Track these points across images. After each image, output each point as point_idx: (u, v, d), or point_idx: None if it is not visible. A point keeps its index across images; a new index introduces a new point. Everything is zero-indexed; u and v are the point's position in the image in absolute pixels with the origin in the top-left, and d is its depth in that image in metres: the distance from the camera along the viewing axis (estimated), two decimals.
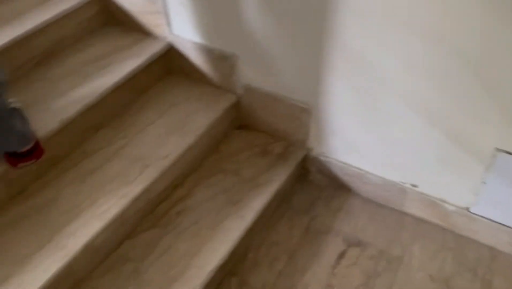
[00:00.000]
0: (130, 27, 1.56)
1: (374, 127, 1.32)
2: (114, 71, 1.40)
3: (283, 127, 1.50)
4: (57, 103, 1.29)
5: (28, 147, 1.14)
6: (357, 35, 1.16)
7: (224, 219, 1.30)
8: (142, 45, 1.50)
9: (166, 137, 1.37)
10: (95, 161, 1.30)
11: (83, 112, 1.30)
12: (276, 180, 1.41)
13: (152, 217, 1.30)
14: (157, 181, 1.28)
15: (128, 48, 1.49)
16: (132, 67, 1.41)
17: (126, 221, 1.22)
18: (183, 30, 1.47)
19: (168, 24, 1.48)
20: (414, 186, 1.37)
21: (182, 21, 1.45)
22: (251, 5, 1.28)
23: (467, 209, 1.33)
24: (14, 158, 1.14)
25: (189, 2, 1.39)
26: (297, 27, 1.25)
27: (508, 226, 1.30)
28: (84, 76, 1.38)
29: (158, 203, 1.33)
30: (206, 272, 1.17)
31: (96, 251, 1.15)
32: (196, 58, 1.50)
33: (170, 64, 1.57)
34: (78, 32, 1.51)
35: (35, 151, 1.17)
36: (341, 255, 1.34)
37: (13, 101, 1.15)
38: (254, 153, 1.50)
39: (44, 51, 1.42)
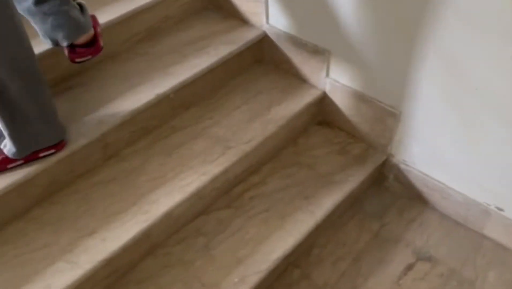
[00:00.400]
0: (228, 13, 1.62)
1: (464, 141, 1.26)
2: (209, 54, 1.46)
3: (366, 129, 1.48)
4: (155, 78, 1.38)
5: (83, 36, 1.12)
6: (458, 41, 1.11)
7: (294, 211, 1.32)
8: (238, 31, 1.55)
9: (249, 123, 1.41)
10: (182, 137, 1.37)
11: (178, 89, 1.37)
12: (351, 181, 1.40)
13: (227, 198, 1.35)
14: (236, 164, 1.32)
15: (224, 33, 1.55)
16: (226, 52, 1.47)
17: (203, 197, 1.28)
18: (279, 21, 1.49)
19: (266, 13, 1.51)
20: (500, 209, 1.29)
21: (279, 12, 1.47)
22: (349, 1, 1.27)
23: None
24: (72, 53, 1.14)
25: None
26: (394, 28, 1.22)
27: None
28: (182, 56, 1.46)
29: (234, 185, 1.37)
30: (271, 259, 1.20)
31: (173, 220, 1.22)
32: (288, 49, 1.52)
33: (261, 52, 1.61)
34: (180, 13, 1.59)
35: (93, 46, 1.15)
36: (409, 267, 1.30)
37: None
38: (332, 150, 1.50)
39: (148, 28, 1.52)
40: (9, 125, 1.05)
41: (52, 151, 1.15)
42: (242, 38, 1.52)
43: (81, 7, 1.14)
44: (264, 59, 1.63)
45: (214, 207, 1.33)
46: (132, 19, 1.45)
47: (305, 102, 1.48)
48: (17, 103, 1.03)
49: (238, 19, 1.60)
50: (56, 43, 1.12)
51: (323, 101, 1.53)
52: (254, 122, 1.42)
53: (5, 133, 1.07)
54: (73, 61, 1.16)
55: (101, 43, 1.19)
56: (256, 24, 1.56)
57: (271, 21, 1.52)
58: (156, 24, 1.54)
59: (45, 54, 1.25)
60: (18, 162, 1.12)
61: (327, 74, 1.47)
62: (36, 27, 1.10)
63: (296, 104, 1.48)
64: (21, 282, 1.03)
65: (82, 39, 1.13)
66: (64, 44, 1.12)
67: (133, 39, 1.49)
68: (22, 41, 1.00)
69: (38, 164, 1.14)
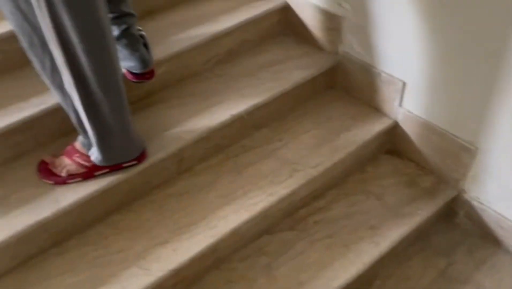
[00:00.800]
0: (304, 39, 1.66)
1: None
2: (284, 78, 1.51)
3: (437, 162, 1.45)
4: (230, 99, 1.45)
5: (145, 70, 1.32)
6: None
7: (358, 240, 1.31)
8: (313, 57, 1.59)
9: (318, 148, 1.43)
10: (252, 157, 1.42)
11: (251, 110, 1.43)
12: (419, 214, 1.37)
13: (291, 220, 1.37)
14: (303, 187, 1.35)
15: (299, 58, 1.59)
16: (300, 77, 1.51)
17: (268, 217, 1.31)
18: (353, 49, 1.51)
19: (341, 41, 1.54)
20: None
21: (354, 40, 1.49)
22: (423, 32, 1.26)
23: None
24: (132, 74, 1.34)
25: (365, 24, 1.42)
26: (475, 60, 1.19)
27: None
28: (257, 78, 1.52)
29: (298, 207, 1.39)
30: (333, 286, 1.20)
31: (239, 237, 1.26)
32: (361, 77, 1.53)
33: (334, 79, 1.63)
34: (258, 38, 1.66)
35: (150, 75, 1.35)
36: None
37: (141, 29, 1.37)
38: (400, 181, 1.47)
39: (227, 51, 1.59)
40: (99, 137, 1.16)
41: (135, 162, 1.24)
42: (316, 64, 1.56)
43: (145, 41, 1.34)
44: (336, 85, 1.64)
45: (278, 228, 1.35)
46: (214, 42, 1.53)
47: (376, 130, 1.48)
48: (109, 117, 1.13)
49: (314, 45, 1.64)
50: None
51: (394, 130, 1.52)
52: (322, 147, 1.43)
53: (95, 143, 1.18)
54: (131, 80, 1.35)
55: (155, 71, 1.37)
56: (331, 51, 1.59)
57: (346, 48, 1.54)
58: (235, 47, 1.61)
59: None
60: (104, 170, 1.22)
61: (400, 104, 1.46)
62: None
63: (366, 131, 1.48)
64: (98, 282, 1.11)
65: (144, 71, 1.32)
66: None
67: (212, 60, 1.57)
68: (115, 61, 1.10)
69: (121, 174, 1.23)
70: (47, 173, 1.21)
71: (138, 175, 1.27)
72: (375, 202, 1.41)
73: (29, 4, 0.95)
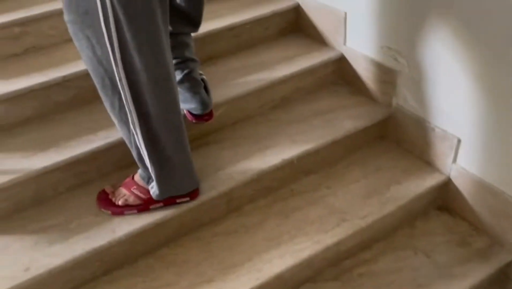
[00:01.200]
0: (358, 89, 1.69)
1: None
2: (335, 127, 1.53)
3: (491, 223, 1.39)
4: (282, 143, 1.49)
5: (204, 112, 1.40)
6: None
7: None
8: (365, 108, 1.61)
9: (366, 198, 1.43)
10: (300, 202, 1.43)
11: (301, 156, 1.46)
12: (471, 276, 1.31)
13: (335, 270, 1.35)
14: (350, 237, 1.34)
15: (352, 108, 1.62)
16: (352, 127, 1.53)
17: (312, 265, 1.31)
18: (409, 104, 1.52)
19: (395, 94, 1.55)
20: None
21: (409, 95, 1.51)
22: (480, 90, 1.26)
23: None
24: (192, 115, 1.41)
25: (420, 78, 1.44)
26: None
27: None
28: (309, 125, 1.56)
29: (344, 258, 1.38)
30: None
31: (282, 283, 1.26)
32: (414, 131, 1.53)
33: (386, 130, 1.64)
34: (312, 86, 1.71)
35: (209, 116, 1.43)
36: None
37: (202, 74, 1.45)
38: (451, 239, 1.43)
39: (282, 97, 1.65)
40: (159, 172, 1.22)
41: (187, 198, 1.29)
42: (369, 114, 1.58)
43: (205, 85, 1.42)
44: (387, 136, 1.65)
45: (321, 277, 1.34)
46: (269, 88, 1.60)
47: (427, 185, 1.45)
48: (169, 154, 1.20)
49: (367, 96, 1.66)
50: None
51: (447, 186, 1.49)
52: (371, 198, 1.43)
53: (154, 177, 1.24)
54: (190, 121, 1.43)
55: (214, 113, 1.45)
56: (384, 103, 1.61)
57: (399, 101, 1.55)
58: (289, 94, 1.67)
59: None
60: (159, 205, 1.28)
61: (454, 161, 1.44)
62: None
63: (417, 185, 1.46)
64: None
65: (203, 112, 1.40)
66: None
67: (267, 106, 1.63)
68: (177, 102, 1.19)
69: (174, 209, 1.28)
70: (106, 203, 1.29)
71: (189, 212, 1.31)
72: (424, 259, 1.37)
73: (105, 51, 1.06)
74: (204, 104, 1.39)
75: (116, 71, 1.07)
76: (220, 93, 1.53)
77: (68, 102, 1.48)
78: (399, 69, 1.50)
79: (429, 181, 1.47)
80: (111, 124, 1.38)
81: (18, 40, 1.55)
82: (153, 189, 1.26)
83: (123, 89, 1.09)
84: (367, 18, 1.54)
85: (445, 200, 1.52)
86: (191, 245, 1.32)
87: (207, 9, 1.79)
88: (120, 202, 1.27)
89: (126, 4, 0.99)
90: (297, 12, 1.83)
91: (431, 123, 1.47)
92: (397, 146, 1.62)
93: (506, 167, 1.30)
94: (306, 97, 1.70)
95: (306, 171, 1.53)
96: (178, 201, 1.29)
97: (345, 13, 1.62)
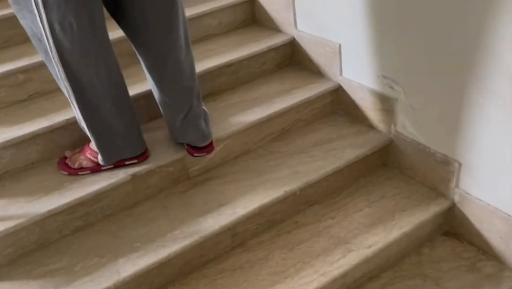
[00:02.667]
0: (356, 118, 1.71)
1: None
2: (336, 157, 1.54)
3: (501, 247, 1.38)
4: (284, 175, 1.49)
5: (205, 144, 1.42)
6: None
7: None
8: (365, 136, 1.62)
9: (371, 227, 1.42)
10: (304, 234, 1.42)
11: (303, 188, 1.46)
12: None
13: None
14: (356, 268, 1.32)
15: (351, 137, 1.63)
16: (353, 156, 1.54)
17: None
18: (407, 129, 1.54)
19: (393, 122, 1.57)
20: None
21: (407, 122, 1.52)
22: (480, 116, 1.27)
23: None
24: (192, 148, 1.43)
25: (417, 105, 1.46)
26: None
27: None
28: (310, 156, 1.57)
29: None
30: None
31: None
32: (415, 157, 1.54)
33: (386, 157, 1.64)
34: (310, 117, 1.73)
35: (209, 147, 1.44)
36: None
37: (203, 104, 1.50)
38: (460, 265, 1.41)
39: (281, 129, 1.67)
40: (99, 139, 1.33)
41: (135, 161, 1.40)
42: (369, 142, 1.59)
43: (205, 115, 1.46)
44: (388, 163, 1.65)
45: None
46: (269, 121, 1.62)
47: (432, 211, 1.45)
48: (109, 121, 1.31)
49: (366, 124, 1.68)
50: (180, 143, 1.47)
51: (452, 212, 1.48)
52: (377, 227, 1.42)
53: (96, 145, 1.35)
54: (191, 155, 1.45)
55: (214, 145, 1.48)
56: (383, 131, 1.62)
57: (399, 128, 1.56)
58: (288, 126, 1.69)
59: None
60: (109, 166, 1.40)
61: (457, 185, 1.43)
62: (170, 129, 1.47)
63: (422, 212, 1.45)
64: None
65: (203, 144, 1.43)
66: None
67: (267, 138, 1.65)
68: (110, 73, 1.26)
69: (176, 246, 1.28)
70: (64, 166, 1.42)
71: (192, 249, 1.31)
72: (434, 287, 1.35)
73: (39, 29, 1.15)
74: (203, 135, 1.41)
75: (49, 47, 1.17)
76: (221, 128, 1.55)
77: (71, 145, 1.51)
78: (396, 97, 1.52)
79: (434, 207, 1.46)
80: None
81: (23, 87, 1.60)
82: (99, 156, 1.37)
83: (56, 64, 1.20)
84: (361, 48, 1.58)
85: (451, 225, 1.51)
86: (197, 283, 1.31)
87: (205, 48, 1.86)
88: (75, 165, 1.40)
89: None
90: (292, 46, 1.88)
91: (431, 148, 1.48)
92: (399, 172, 1.62)
93: (509, 190, 1.29)
94: (305, 128, 1.72)
95: (309, 202, 1.52)
96: (126, 163, 1.40)
97: (340, 45, 1.66)
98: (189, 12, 1.84)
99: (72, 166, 1.41)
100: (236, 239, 1.40)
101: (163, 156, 1.45)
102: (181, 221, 1.36)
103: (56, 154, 1.50)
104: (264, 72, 1.86)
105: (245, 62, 1.79)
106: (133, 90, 1.53)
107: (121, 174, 1.39)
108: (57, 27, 1.12)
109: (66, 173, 1.40)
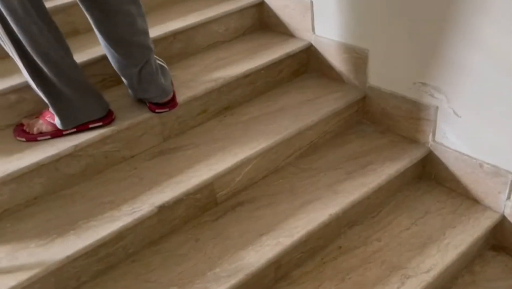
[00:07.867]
0: (385, 128, 1.60)
1: None
2: (376, 172, 1.42)
3: None
4: (323, 196, 1.35)
5: (166, 99, 1.37)
6: None
7: None
8: (401, 148, 1.51)
9: (424, 248, 1.30)
10: (352, 260, 1.29)
11: (346, 209, 1.33)
12: None
13: None
14: None
15: (386, 149, 1.51)
16: (394, 170, 1.42)
17: None
18: (448, 139, 1.43)
19: (433, 131, 1.47)
20: None
21: (449, 130, 1.42)
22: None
23: None
24: (154, 105, 1.38)
25: (462, 112, 1.36)
26: None
27: None
28: (346, 172, 1.43)
29: None
30: None
31: None
32: (456, 168, 1.44)
33: (422, 169, 1.54)
34: (337, 128, 1.61)
35: (172, 102, 1.39)
36: None
37: (160, 60, 1.46)
38: None
39: (310, 143, 1.54)
40: (54, 104, 1.25)
41: (100, 123, 1.31)
42: (407, 155, 1.48)
43: (163, 70, 1.40)
44: (424, 176, 1.55)
45: None
46: (298, 135, 1.48)
47: (484, 226, 1.35)
48: (60, 86, 1.22)
49: (398, 134, 1.57)
50: (141, 100, 1.42)
51: (502, 225, 1.39)
52: (429, 247, 1.30)
53: (52, 109, 1.26)
54: (153, 111, 1.39)
55: (177, 100, 1.42)
56: (420, 141, 1.52)
57: (438, 138, 1.46)
58: (316, 138, 1.55)
59: (220, 175, 1.30)
60: (71, 130, 1.30)
61: (509, 197, 1.35)
62: (129, 87, 1.39)
63: (474, 228, 1.35)
64: None
65: (165, 100, 1.38)
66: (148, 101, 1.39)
67: (295, 154, 1.51)
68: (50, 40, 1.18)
69: (220, 288, 1.11)
70: (21, 132, 1.31)
71: (237, 285, 1.14)
72: None
73: None
74: (163, 90, 1.36)
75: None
76: (248, 147, 1.39)
77: (79, 173, 1.31)
78: (437, 105, 1.42)
79: (484, 222, 1.37)
80: (133, 195, 1.23)
81: (15, 108, 1.38)
82: (56, 118, 1.28)
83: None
84: (393, 54, 1.47)
85: (499, 239, 1.42)
86: None
87: (216, 56, 1.69)
88: (34, 131, 1.30)
89: None
90: (308, 52, 1.75)
91: (477, 159, 1.38)
92: (437, 185, 1.52)
93: None
94: (333, 140, 1.59)
95: (349, 223, 1.40)
96: (91, 126, 1.31)
97: (367, 50, 1.55)
98: (195, 19, 1.68)
99: (30, 132, 1.31)
100: (280, 271, 1.25)
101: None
102: (219, 257, 1.20)
103: (61, 186, 1.29)
104: (281, 81, 1.72)
105: (262, 72, 1.64)
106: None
107: (145, 207, 1.20)
108: None
109: (24, 139, 1.30)
